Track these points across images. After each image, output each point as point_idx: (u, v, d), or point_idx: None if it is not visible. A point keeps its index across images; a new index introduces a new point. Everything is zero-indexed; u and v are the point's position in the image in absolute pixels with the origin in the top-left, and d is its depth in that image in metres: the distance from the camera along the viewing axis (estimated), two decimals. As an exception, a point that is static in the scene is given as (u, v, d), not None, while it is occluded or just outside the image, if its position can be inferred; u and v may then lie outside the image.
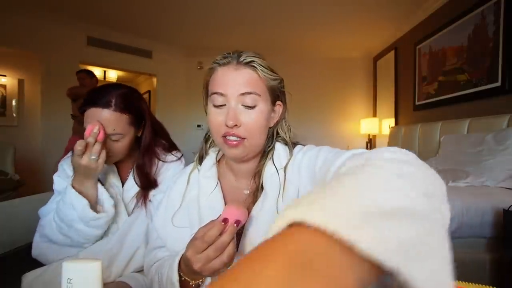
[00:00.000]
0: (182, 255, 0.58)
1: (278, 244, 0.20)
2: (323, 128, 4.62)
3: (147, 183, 0.91)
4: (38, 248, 0.83)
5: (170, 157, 0.97)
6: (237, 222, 0.51)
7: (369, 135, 4.45)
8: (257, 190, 0.67)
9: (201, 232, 0.52)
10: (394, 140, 3.47)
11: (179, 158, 0.99)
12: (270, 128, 0.69)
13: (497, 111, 2.17)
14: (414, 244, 0.20)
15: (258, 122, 0.62)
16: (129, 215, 0.90)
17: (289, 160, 0.67)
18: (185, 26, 3.94)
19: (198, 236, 0.51)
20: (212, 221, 0.53)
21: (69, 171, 0.89)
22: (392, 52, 3.99)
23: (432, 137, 2.73)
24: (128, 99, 0.84)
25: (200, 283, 0.58)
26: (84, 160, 0.74)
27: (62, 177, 0.90)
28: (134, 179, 0.91)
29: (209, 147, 0.75)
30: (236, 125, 0.60)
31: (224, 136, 0.62)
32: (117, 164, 0.95)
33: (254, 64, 0.61)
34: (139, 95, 0.92)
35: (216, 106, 0.62)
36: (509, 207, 1.34)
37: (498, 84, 2.19)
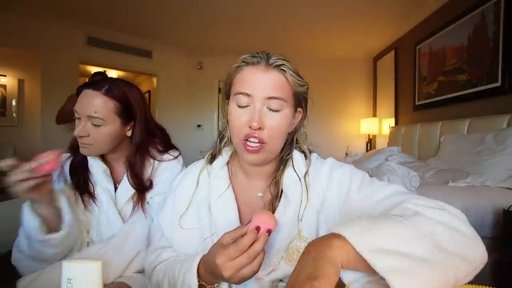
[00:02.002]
0: (201, 259, 0.57)
1: (327, 242, 0.41)
2: (323, 128, 4.62)
3: (140, 184, 0.88)
4: (14, 258, 0.81)
5: (166, 156, 0.95)
6: (268, 231, 0.51)
7: (369, 135, 4.45)
8: (277, 196, 0.66)
9: (228, 238, 0.51)
10: (394, 140, 3.47)
11: (176, 157, 0.96)
12: (289, 133, 0.68)
13: (497, 111, 2.17)
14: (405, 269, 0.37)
15: (281, 126, 0.61)
16: (124, 219, 0.88)
17: (308, 168, 0.67)
18: (185, 26, 3.94)
19: (226, 243, 0.50)
20: (241, 227, 0.52)
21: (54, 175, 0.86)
22: (392, 52, 3.99)
23: (432, 137, 2.73)
24: (122, 90, 0.84)
25: (215, 287, 0.58)
26: (9, 180, 0.64)
27: None
28: (128, 179, 0.89)
29: (223, 146, 0.73)
30: (260, 127, 0.59)
31: (246, 140, 0.60)
32: (110, 166, 0.93)
33: (283, 68, 0.61)
34: (137, 93, 0.89)
35: (240, 107, 0.61)
36: (509, 207, 1.34)
37: (498, 84, 2.19)
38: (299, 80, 0.63)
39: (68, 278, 0.40)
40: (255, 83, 0.59)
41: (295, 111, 0.66)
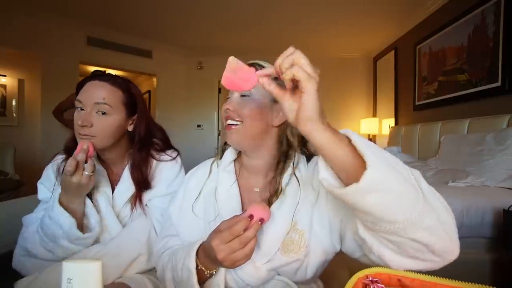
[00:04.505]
0: (201, 244, 0.63)
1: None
2: (323, 128, 4.61)
3: (141, 180, 0.88)
4: (18, 261, 0.81)
5: (164, 156, 0.95)
6: (261, 220, 0.56)
7: (369, 135, 4.45)
8: (276, 192, 0.71)
9: (225, 225, 0.57)
10: (394, 140, 3.47)
11: (174, 158, 0.96)
12: (276, 128, 0.73)
13: (497, 111, 2.17)
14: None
15: (251, 109, 0.69)
16: (121, 222, 0.87)
17: (294, 161, 0.72)
18: (185, 26, 3.94)
19: (223, 228, 0.56)
20: (237, 215, 0.57)
21: (53, 178, 0.87)
22: (392, 52, 3.99)
23: (432, 137, 2.73)
24: (126, 82, 0.88)
25: (213, 273, 0.62)
26: (76, 178, 0.72)
27: (46, 184, 0.87)
28: (131, 172, 0.89)
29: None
30: (229, 109, 0.70)
31: (226, 121, 0.71)
32: (107, 167, 0.92)
33: (255, 65, 0.70)
34: (138, 89, 0.92)
35: (226, 98, 0.74)
36: (509, 207, 1.34)
37: (498, 84, 2.19)
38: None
39: (68, 278, 0.40)
40: None
41: (274, 102, 0.71)
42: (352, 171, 0.43)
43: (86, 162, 0.75)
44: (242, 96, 0.71)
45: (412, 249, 0.43)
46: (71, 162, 0.71)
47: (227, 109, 0.71)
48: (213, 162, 0.81)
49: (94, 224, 0.80)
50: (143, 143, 0.91)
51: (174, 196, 0.82)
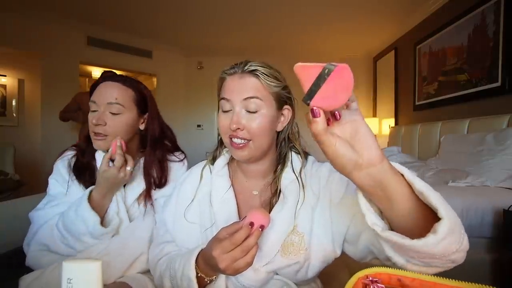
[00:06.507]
0: (200, 252, 0.62)
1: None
2: (323, 128, 4.61)
3: (159, 179, 0.91)
4: (32, 257, 0.81)
5: (172, 157, 0.98)
6: (261, 227, 0.55)
7: (369, 135, 4.45)
8: (275, 194, 0.71)
9: (224, 233, 0.55)
10: (394, 140, 3.47)
11: (181, 160, 0.99)
12: (279, 132, 0.73)
13: (497, 111, 2.17)
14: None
15: (261, 125, 0.65)
16: (130, 219, 0.88)
17: (302, 165, 0.71)
18: (185, 26, 3.94)
19: (222, 237, 0.55)
20: (236, 223, 0.56)
21: (65, 174, 0.88)
22: (392, 52, 3.99)
23: (432, 137, 2.73)
24: (137, 82, 0.93)
25: (214, 279, 0.62)
26: (122, 174, 0.77)
27: (59, 179, 0.88)
28: (145, 171, 0.90)
29: (223, 148, 0.79)
30: (239, 128, 0.65)
31: (231, 138, 0.67)
32: None
33: (257, 73, 0.66)
34: (148, 89, 0.96)
35: (223, 111, 0.69)
36: (509, 207, 1.34)
37: (498, 84, 2.19)
38: (273, 82, 0.67)
39: (68, 278, 0.40)
40: (233, 89, 0.66)
41: (279, 110, 0.70)
42: (406, 213, 0.41)
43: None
44: (250, 112, 0.65)
45: (440, 264, 0.43)
46: (119, 158, 0.77)
47: (238, 129, 0.64)
48: (204, 167, 0.78)
49: (113, 216, 0.83)
50: (157, 141, 0.94)
51: (167, 202, 0.80)
